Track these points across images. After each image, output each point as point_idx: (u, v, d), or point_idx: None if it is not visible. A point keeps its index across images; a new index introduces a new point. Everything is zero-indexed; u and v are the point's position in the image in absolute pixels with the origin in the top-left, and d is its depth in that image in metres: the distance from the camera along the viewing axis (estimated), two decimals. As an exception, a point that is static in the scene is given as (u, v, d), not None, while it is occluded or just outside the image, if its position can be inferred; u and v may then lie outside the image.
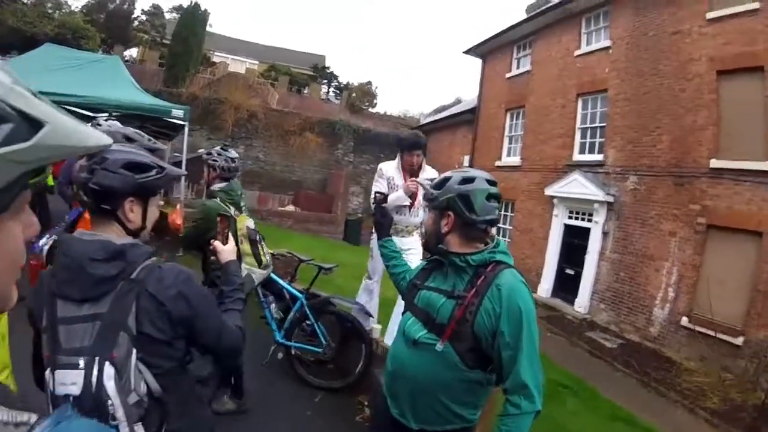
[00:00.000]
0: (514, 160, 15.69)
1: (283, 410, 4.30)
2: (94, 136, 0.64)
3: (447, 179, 2.05)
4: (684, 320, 10.09)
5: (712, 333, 9.37)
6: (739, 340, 9.03)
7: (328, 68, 35.14)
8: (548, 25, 14.40)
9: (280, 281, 4.92)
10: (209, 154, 3.95)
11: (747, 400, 8.02)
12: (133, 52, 30.14)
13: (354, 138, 23.14)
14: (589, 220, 12.68)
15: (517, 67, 16.13)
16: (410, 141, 4.34)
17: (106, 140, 0.68)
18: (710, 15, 10.24)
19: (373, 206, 2.84)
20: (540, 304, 11.95)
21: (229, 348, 1.71)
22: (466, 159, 18.30)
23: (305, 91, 28.46)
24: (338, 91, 32.29)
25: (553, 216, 13.74)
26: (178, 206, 7.17)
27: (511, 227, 15.64)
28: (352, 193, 22.87)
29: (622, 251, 11.85)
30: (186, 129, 9.55)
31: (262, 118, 22.09)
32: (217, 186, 3.92)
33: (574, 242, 13.04)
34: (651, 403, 7.91)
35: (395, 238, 3.00)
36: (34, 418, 0.59)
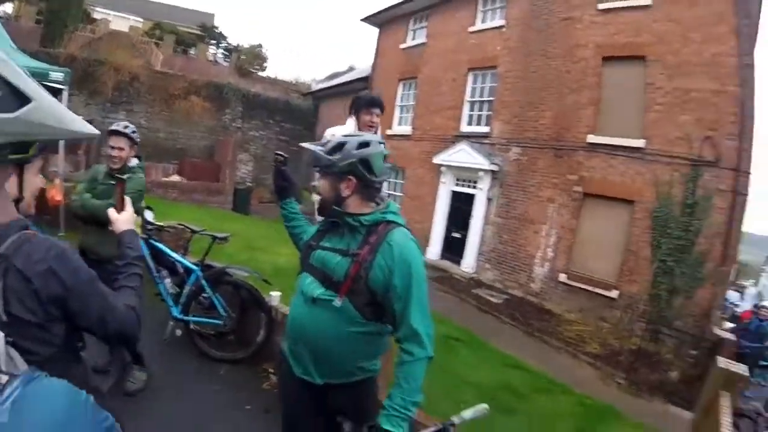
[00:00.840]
0: (405, 129, 15.93)
1: (189, 387, 4.11)
2: (79, 122, 0.64)
3: (343, 144, 2.06)
4: (563, 276, 11.13)
5: (588, 288, 10.51)
6: (613, 294, 10.17)
7: (216, 28, 32.67)
8: (446, 0, 14.67)
9: (173, 254, 4.75)
10: (126, 127, 3.69)
11: (624, 345, 9.02)
12: (7, 8, 25.88)
13: (243, 103, 21.61)
14: (475, 188, 13.28)
15: (413, 39, 16.27)
16: (367, 98, 3.90)
17: (92, 130, 0.68)
18: (601, 6, 11.09)
19: (273, 167, 2.62)
20: (430, 265, 12.09)
21: (119, 332, 1.46)
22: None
23: (192, 52, 26.16)
24: (227, 53, 30.08)
25: (440, 183, 14.23)
26: (56, 181, 6.56)
27: (401, 194, 15.91)
28: (240, 161, 21.48)
29: (505, 216, 12.66)
30: (65, 94, 8.41)
31: (145, 80, 19.90)
32: (134, 162, 3.79)
33: (461, 208, 13.66)
34: (537, 350, 8.53)
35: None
36: (4, 378, 0.60)
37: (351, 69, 27.90)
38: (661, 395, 7.52)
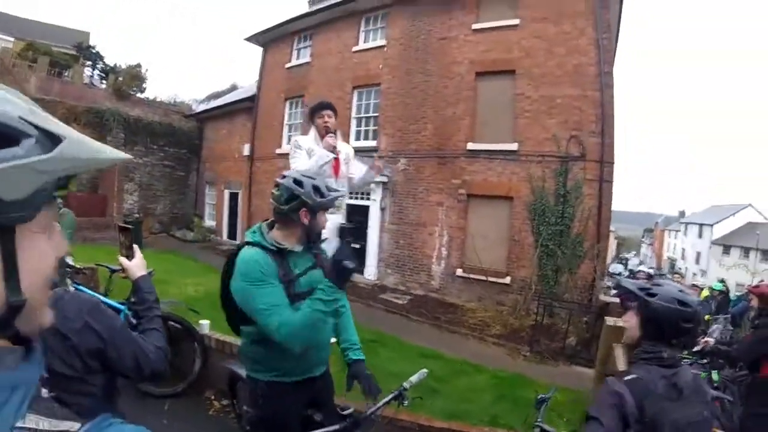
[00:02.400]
0: (292, 147, 15.63)
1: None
2: (107, 150, 0.67)
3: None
4: (459, 271, 11.64)
5: (483, 278, 11.07)
6: (507, 280, 10.85)
7: (93, 47, 29.63)
8: (329, 20, 14.69)
9: (97, 296, 4.33)
10: None
11: (523, 323, 9.55)
12: None
13: (124, 128, 19.41)
14: (368, 199, 13.37)
15: (297, 58, 16.09)
16: (317, 104, 4.08)
17: (120, 155, 0.71)
18: (476, 26, 11.89)
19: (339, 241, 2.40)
20: None
21: (153, 371, 1.58)
22: (246, 147, 17.54)
23: (66, 74, 23.38)
24: (104, 74, 27.28)
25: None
26: None
27: None
28: (126, 191, 19.37)
29: (398, 222, 12.91)
30: None
31: (20, 109, 17.43)
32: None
33: (357, 219, 13.55)
34: (447, 340, 8.69)
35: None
36: (76, 426, 0.59)
37: (234, 88, 26.79)
38: (563, 359, 7.98)
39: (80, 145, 0.60)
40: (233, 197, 19.04)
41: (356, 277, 13.21)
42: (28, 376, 0.59)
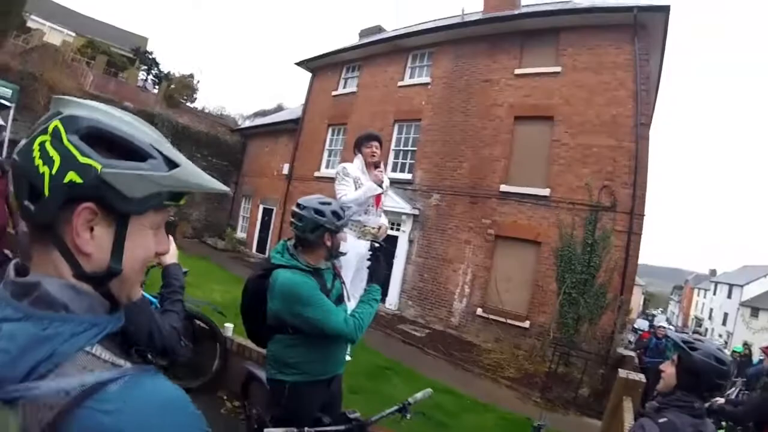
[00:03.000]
0: (332, 171, 15.90)
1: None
2: (214, 182, 0.85)
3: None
4: (479, 311, 11.59)
5: (503, 320, 10.98)
6: (526, 324, 10.73)
7: (150, 53, 30.68)
8: (378, 53, 15.23)
9: None
10: None
11: (538, 369, 9.40)
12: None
13: (172, 134, 19.76)
14: (398, 230, 13.47)
15: (344, 87, 16.63)
16: (365, 134, 4.16)
17: (221, 186, 0.87)
18: (518, 71, 12.09)
19: (370, 252, 2.85)
20: None
21: (163, 347, 1.69)
22: (286, 167, 18.04)
23: (121, 75, 24.43)
24: (157, 80, 28.30)
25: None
26: None
27: None
28: None
29: (425, 256, 12.96)
30: (11, 112, 7.27)
31: (75, 103, 18.10)
32: None
33: (388, 246, 13.67)
34: (460, 377, 8.67)
35: (360, 241, 3.74)
36: (127, 365, 0.69)
37: (279, 108, 27.50)
38: (574, 409, 7.85)
39: (192, 172, 0.80)
40: (267, 212, 19.49)
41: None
42: (105, 322, 0.73)
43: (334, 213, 2.51)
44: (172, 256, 2.03)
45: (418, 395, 2.74)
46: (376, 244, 2.87)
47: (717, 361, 1.92)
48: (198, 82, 25.37)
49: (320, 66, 17.44)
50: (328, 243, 2.54)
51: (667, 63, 12.35)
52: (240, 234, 20.90)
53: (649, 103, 11.11)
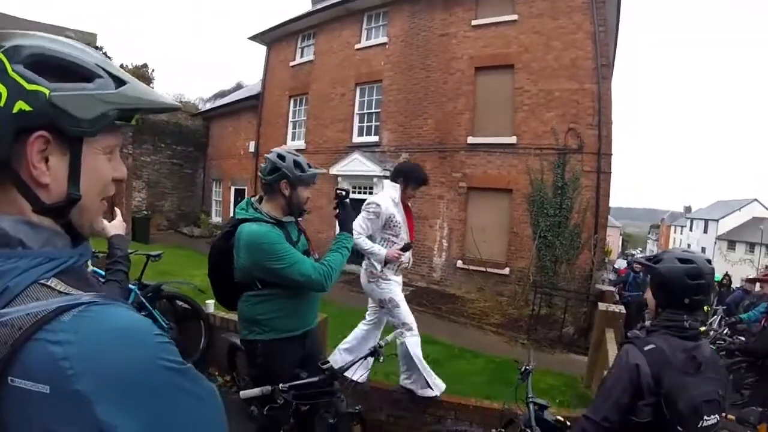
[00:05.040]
0: (299, 144, 15.30)
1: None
2: (165, 97, 0.83)
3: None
4: (459, 263, 11.48)
5: (483, 269, 10.88)
6: (505, 270, 10.66)
7: (101, 48, 29.49)
8: (332, 18, 14.43)
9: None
10: None
11: (522, 313, 9.37)
12: None
13: (132, 127, 18.77)
14: (370, 193, 13.04)
15: (301, 56, 15.80)
16: (422, 176, 3.71)
17: (175, 103, 0.86)
18: (475, 22, 11.67)
19: (335, 201, 2.69)
20: (342, 271, 12.26)
21: None
22: (252, 144, 17.29)
23: None
24: None
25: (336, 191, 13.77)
26: None
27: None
28: (135, 188, 18.57)
29: None
30: None
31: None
32: None
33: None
34: (447, 328, 8.57)
35: (395, 277, 3.74)
36: (85, 297, 0.63)
37: (239, 86, 26.42)
38: (560, 347, 7.80)
39: (140, 89, 0.77)
40: (239, 193, 18.78)
41: (359, 269, 13.01)
42: (65, 255, 0.70)
43: (296, 163, 2.42)
44: (115, 227, 1.99)
45: (388, 337, 2.77)
46: (341, 192, 2.69)
47: (682, 262, 1.72)
48: (153, 71, 24.27)
49: (275, 38, 16.49)
50: (285, 192, 2.42)
51: (626, 3, 12.12)
52: (215, 219, 20.22)
53: (608, 44, 10.94)
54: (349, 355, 3.79)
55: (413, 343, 3.69)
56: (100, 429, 0.58)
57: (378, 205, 3.52)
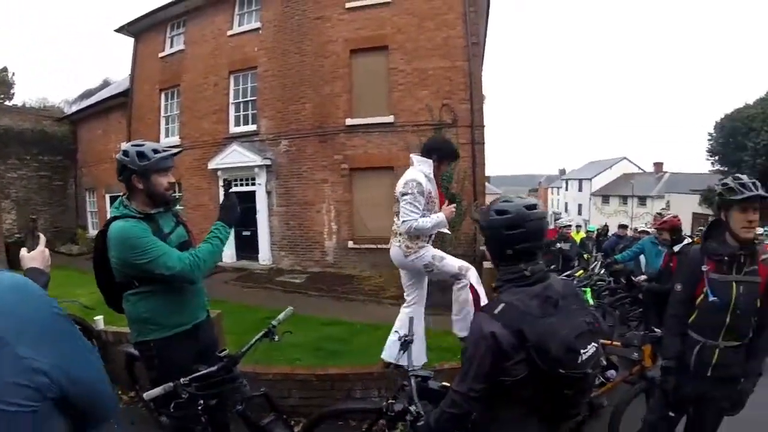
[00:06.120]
0: (174, 140, 14.04)
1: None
2: None
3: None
4: (350, 243, 11.44)
5: (374, 246, 10.79)
6: None
7: None
8: (203, 5, 13.39)
9: None
10: None
11: None
12: None
13: None
14: (253, 184, 12.49)
15: (171, 46, 14.48)
16: (452, 149, 3.58)
17: None
18: (349, 5, 11.48)
19: (224, 191, 2.73)
20: (229, 268, 11.94)
21: None
22: (124, 146, 15.59)
23: None
24: None
25: (220, 187, 12.89)
26: None
27: (182, 207, 13.93)
28: (3, 210, 15.78)
29: (286, 204, 12.27)
30: None
31: None
32: None
33: (244, 206, 12.46)
34: (347, 308, 8.58)
35: (430, 246, 3.49)
36: None
37: (106, 84, 24.03)
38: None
39: None
40: (116, 201, 17.00)
41: (251, 264, 12.46)
42: None
43: (139, 154, 2.31)
44: (33, 259, 1.80)
45: (280, 316, 2.69)
46: (227, 183, 2.85)
47: (499, 214, 1.61)
48: (14, 74, 21.55)
49: (142, 28, 14.99)
50: (139, 185, 2.33)
51: None
52: (93, 232, 18.05)
53: (479, 24, 11.40)
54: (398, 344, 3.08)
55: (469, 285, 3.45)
56: (23, 365, 0.76)
57: (419, 183, 3.26)
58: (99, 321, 4.53)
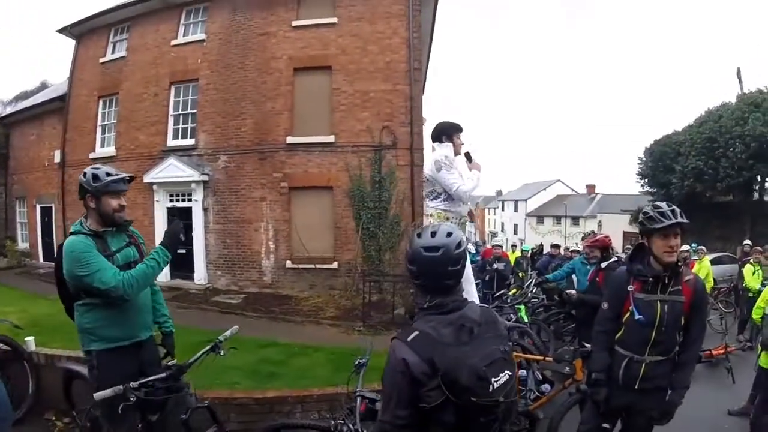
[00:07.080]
0: (109, 150, 13.24)
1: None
2: None
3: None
4: (288, 263, 11.12)
5: (312, 266, 10.70)
6: (334, 265, 10.67)
7: None
8: (148, 12, 12.80)
9: None
10: None
11: (354, 302, 9.46)
12: None
13: None
14: (189, 200, 11.94)
15: (113, 52, 13.70)
16: (455, 124, 3.69)
17: None
18: (295, 23, 11.34)
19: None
20: (164, 288, 10.63)
21: None
22: (57, 154, 14.57)
23: None
24: None
25: (155, 202, 12.27)
26: None
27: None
28: None
29: (223, 221, 11.80)
30: None
31: None
32: None
33: (185, 223, 11.85)
34: (285, 329, 8.35)
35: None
36: None
37: (44, 86, 22.73)
38: (395, 327, 7.60)
39: None
40: (46, 212, 15.69)
41: (185, 284, 11.80)
42: None
43: (94, 176, 2.46)
44: None
45: (227, 333, 2.82)
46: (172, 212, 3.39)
47: (409, 244, 1.63)
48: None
49: (85, 31, 14.17)
50: (92, 204, 2.48)
51: (442, 10, 12.98)
52: (22, 245, 16.75)
53: (422, 49, 11.55)
54: None
55: None
56: None
57: (447, 157, 3.49)
58: (30, 342, 4.32)
